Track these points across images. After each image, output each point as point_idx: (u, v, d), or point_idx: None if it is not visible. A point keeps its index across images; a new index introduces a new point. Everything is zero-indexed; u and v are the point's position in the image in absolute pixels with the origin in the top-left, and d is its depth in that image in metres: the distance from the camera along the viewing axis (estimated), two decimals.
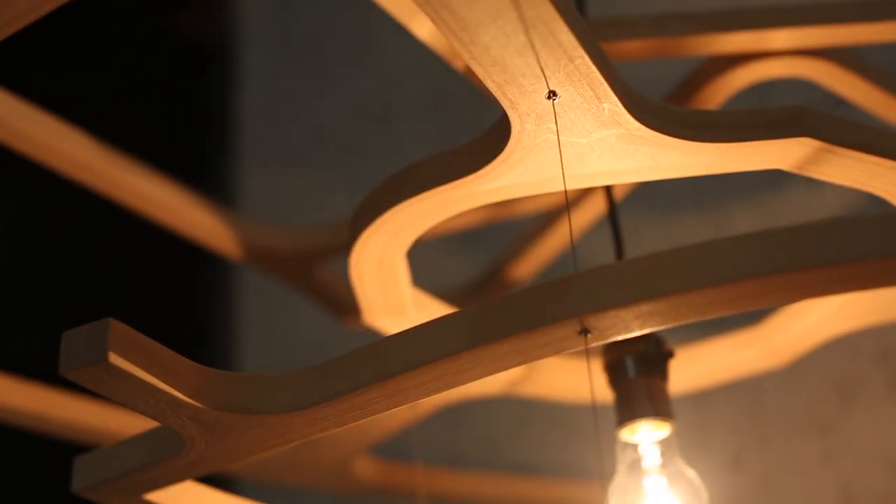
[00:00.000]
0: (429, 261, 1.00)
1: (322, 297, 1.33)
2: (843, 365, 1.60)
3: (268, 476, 1.32)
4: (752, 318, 1.18)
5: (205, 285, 2.23)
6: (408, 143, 2.09)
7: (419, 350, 0.76)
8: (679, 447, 1.01)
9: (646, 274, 0.71)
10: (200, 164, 2.16)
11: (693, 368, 1.16)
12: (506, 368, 0.77)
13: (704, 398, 1.66)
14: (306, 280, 1.31)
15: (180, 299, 2.22)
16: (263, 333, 2.17)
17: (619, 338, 0.74)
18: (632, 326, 0.73)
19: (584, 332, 0.73)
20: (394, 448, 1.40)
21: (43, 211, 2.09)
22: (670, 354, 1.00)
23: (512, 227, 1.73)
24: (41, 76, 1.99)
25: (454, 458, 1.70)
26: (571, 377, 1.15)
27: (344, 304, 1.33)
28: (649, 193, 1.49)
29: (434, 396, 1.10)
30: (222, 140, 2.29)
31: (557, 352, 0.75)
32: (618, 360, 0.99)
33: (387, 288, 0.98)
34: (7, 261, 2.06)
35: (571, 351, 0.75)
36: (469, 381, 0.78)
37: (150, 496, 0.95)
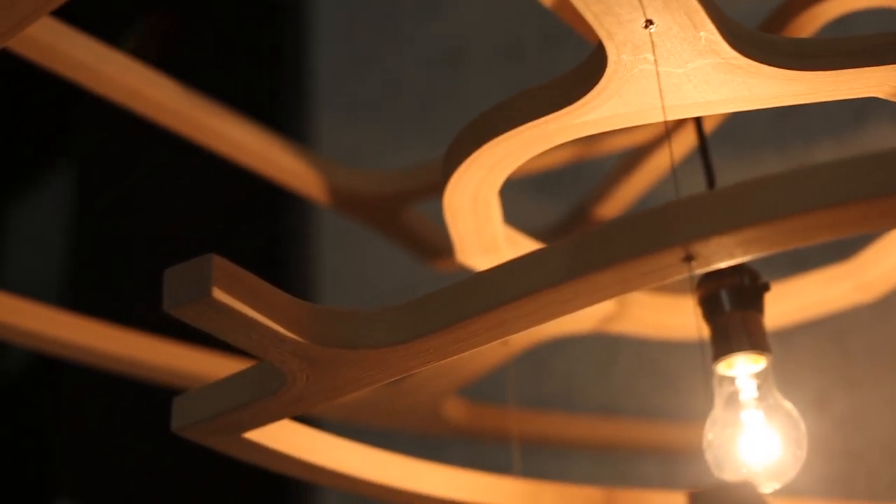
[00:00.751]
0: (509, 204, 1.00)
1: (408, 240, 1.33)
2: None
3: (356, 420, 1.33)
4: (842, 254, 1.17)
5: (285, 230, 2.25)
6: (478, 93, 2.08)
7: (524, 280, 0.76)
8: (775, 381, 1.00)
9: (749, 200, 0.71)
10: (274, 115, 2.17)
11: (784, 304, 1.15)
12: (609, 297, 0.77)
13: (788, 337, 1.65)
14: (393, 223, 1.31)
15: (260, 245, 2.23)
16: (343, 279, 2.17)
17: (722, 265, 0.74)
18: (735, 253, 0.73)
19: (689, 259, 0.73)
20: (480, 391, 1.40)
21: (123, 156, 2.11)
22: (766, 287, 0.99)
23: (584, 172, 1.73)
24: (119, 22, 2.00)
25: (538, 402, 1.71)
26: (663, 313, 1.15)
27: (430, 246, 1.33)
28: (732, 133, 1.48)
29: (526, 334, 1.10)
30: (296, 92, 2.30)
31: (660, 280, 0.75)
32: (713, 294, 0.99)
33: (481, 224, 0.98)
34: (91, 209, 2.08)
35: (674, 279, 0.75)
36: (572, 311, 0.78)
37: (249, 435, 0.96)
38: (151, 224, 2.09)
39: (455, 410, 1.31)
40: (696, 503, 0.66)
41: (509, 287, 0.76)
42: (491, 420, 1.34)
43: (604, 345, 1.71)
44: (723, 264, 0.74)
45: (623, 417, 1.59)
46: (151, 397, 1.99)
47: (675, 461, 1.61)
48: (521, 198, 1.80)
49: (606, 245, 0.73)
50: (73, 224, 2.06)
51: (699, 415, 1.54)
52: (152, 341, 1.27)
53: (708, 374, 0.99)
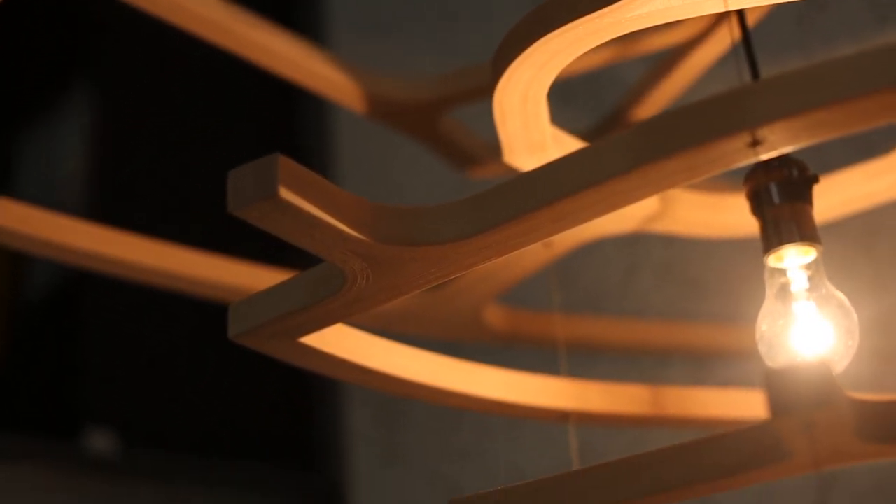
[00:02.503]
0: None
1: (445, 147, 1.34)
2: None
3: (397, 329, 1.33)
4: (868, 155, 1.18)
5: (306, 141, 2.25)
6: (499, 8, 2.07)
7: (588, 171, 0.76)
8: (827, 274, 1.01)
9: (815, 82, 0.71)
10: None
11: (828, 197, 1.15)
12: (675, 185, 0.78)
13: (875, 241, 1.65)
14: (429, 130, 1.31)
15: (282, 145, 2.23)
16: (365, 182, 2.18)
17: (789, 149, 0.74)
18: (801, 137, 0.73)
19: (755, 143, 0.73)
20: (517, 297, 1.41)
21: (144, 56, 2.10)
22: (815, 179, 1.00)
23: (611, 78, 1.72)
24: None
25: (567, 309, 1.72)
26: (708, 212, 1.15)
27: (467, 153, 1.33)
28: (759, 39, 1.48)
29: (568, 235, 1.11)
30: (314, 9, 2.29)
31: (727, 166, 0.75)
32: (762, 187, 0.99)
33: (529, 124, 0.98)
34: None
35: (741, 164, 0.75)
36: (638, 200, 0.78)
37: (306, 339, 0.97)
38: (173, 143, 2.09)
39: (495, 317, 1.32)
40: (770, 380, 0.67)
41: (574, 177, 0.77)
42: (532, 325, 1.35)
43: (630, 252, 1.72)
44: (789, 149, 0.74)
45: (651, 320, 1.59)
46: (180, 320, 2.00)
47: (702, 365, 1.62)
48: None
49: (672, 131, 0.73)
50: (95, 140, 2.06)
51: (728, 317, 1.56)
52: (190, 254, 1.27)
53: (760, 268, 0.99)
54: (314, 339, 0.97)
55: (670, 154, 0.73)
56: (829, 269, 1.65)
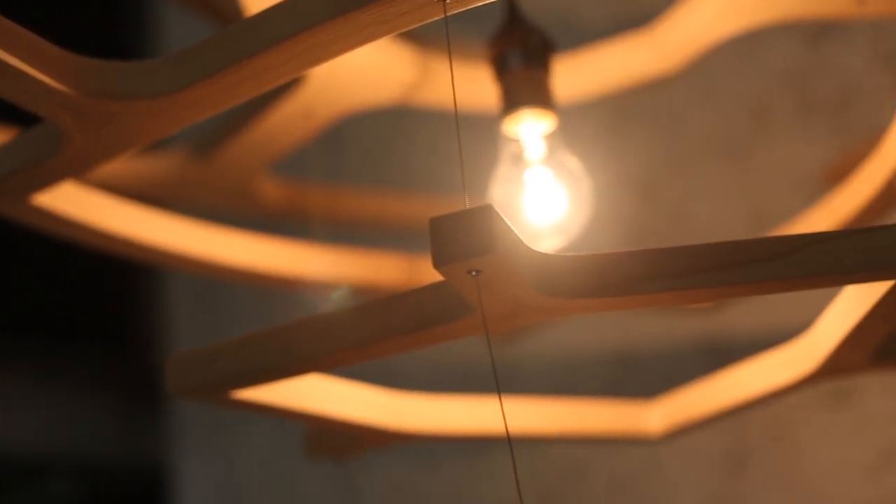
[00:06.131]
0: None
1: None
2: (754, 89, 1.62)
3: (173, 197, 1.32)
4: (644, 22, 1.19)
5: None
6: None
7: (285, 23, 0.76)
8: (564, 143, 1.02)
9: None
10: None
11: (586, 72, 1.16)
12: (371, 39, 0.77)
13: (621, 126, 1.68)
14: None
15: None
16: None
17: (478, 4, 0.74)
18: None
19: None
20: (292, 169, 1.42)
21: None
22: (552, 47, 1.00)
23: None
24: None
25: (343, 177, 1.73)
26: (468, 84, 1.15)
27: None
28: None
29: (327, 106, 1.11)
30: None
31: (419, 21, 0.75)
32: (502, 53, 0.99)
33: None
34: None
35: (433, 20, 0.75)
36: (336, 55, 0.78)
37: (40, 200, 0.96)
38: None
39: (269, 188, 1.31)
40: (433, 229, 0.67)
41: (274, 30, 0.76)
42: (304, 197, 1.35)
43: (403, 124, 1.73)
44: (477, 3, 0.74)
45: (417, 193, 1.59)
46: None
47: None
48: None
49: None
50: None
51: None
52: None
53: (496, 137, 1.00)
54: (50, 200, 0.97)
55: (362, 6, 0.73)
56: (631, 155, 1.68)
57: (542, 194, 0.98)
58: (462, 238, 0.66)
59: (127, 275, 2.15)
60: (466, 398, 1.01)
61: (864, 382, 1.48)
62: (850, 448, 1.49)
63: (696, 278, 0.75)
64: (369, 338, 0.78)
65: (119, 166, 1.23)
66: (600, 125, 1.70)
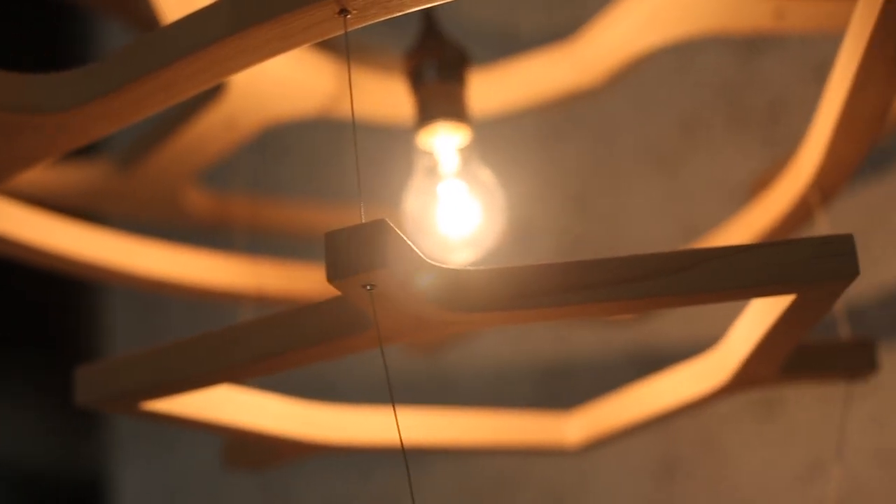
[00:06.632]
0: None
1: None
2: (686, 101, 1.63)
3: (98, 208, 1.33)
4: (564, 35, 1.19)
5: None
6: None
7: (189, 38, 0.76)
8: (479, 154, 1.02)
9: None
10: None
11: (507, 85, 1.17)
12: (275, 54, 0.78)
13: (553, 138, 1.69)
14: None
15: None
16: None
17: (379, 19, 0.75)
18: (391, 7, 0.74)
19: (343, 12, 0.73)
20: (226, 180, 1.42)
21: None
22: (467, 60, 1.01)
23: None
24: None
25: (279, 188, 1.74)
26: (388, 95, 1.16)
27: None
28: None
29: (251, 116, 1.11)
30: None
31: (322, 36, 0.76)
32: (417, 66, 1.00)
33: None
34: None
35: (335, 35, 0.76)
36: (239, 69, 0.79)
37: None
38: None
39: (195, 198, 1.31)
40: (328, 243, 0.67)
41: (177, 45, 0.77)
42: (231, 208, 1.35)
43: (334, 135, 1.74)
44: (379, 19, 0.75)
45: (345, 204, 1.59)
46: None
47: None
48: None
49: (264, 1, 0.74)
50: None
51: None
52: None
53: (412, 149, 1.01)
54: None
55: (264, 20, 0.74)
56: (563, 167, 1.69)
57: (456, 207, 0.98)
58: (355, 252, 0.67)
59: (67, 282, 2.15)
60: (383, 410, 1.02)
61: (793, 393, 1.49)
62: (779, 458, 1.50)
63: (598, 292, 0.76)
64: (274, 350, 0.78)
65: (44, 176, 1.23)
66: (534, 136, 1.71)
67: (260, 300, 1.14)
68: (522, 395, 1.67)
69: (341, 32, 0.75)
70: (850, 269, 0.77)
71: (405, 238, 0.69)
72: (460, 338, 1.51)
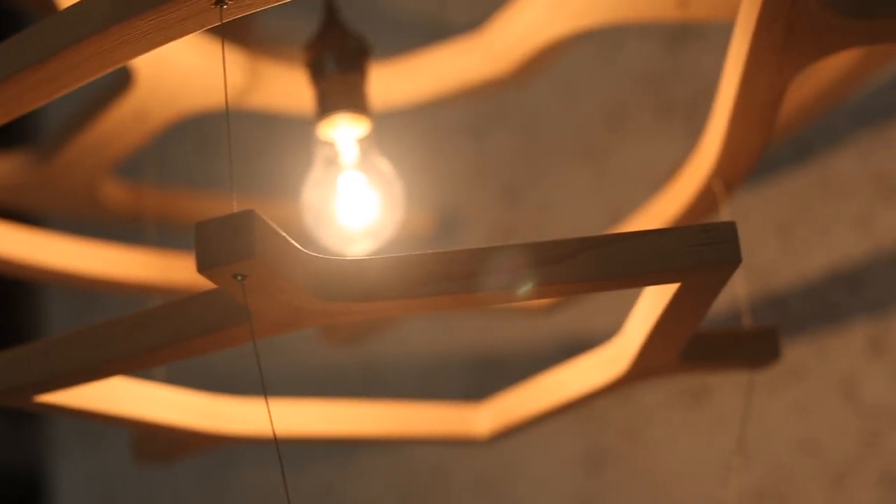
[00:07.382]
0: None
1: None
2: (612, 92, 1.63)
3: (17, 202, 1.32)
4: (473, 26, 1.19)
5: None
6: None
7: (66, 31, 0.76)
8: (376, 144, 1.02)
9: None
10: None
11: (418, 77, 1.17)
12: (154, 46, 0.78)
13: (483, 127, 1.69)
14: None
15: None
16: None
17: (255, 10, 0.75)
18: None
19: (220, 3, 0.73)
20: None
21: None
22: (367, 52, 1.01)
23: None
24: None
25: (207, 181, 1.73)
26: (296, 87, 1.15)
27: None
28: None
29: (160, 109, 1.11)
30: None
31: (199, 27, 0.76)
32: (317, 58, 1.00)
33: None
34: None
35: (212, 26, 0.75)
36: (121, 62, 0.78)
37: None
38: None
39: (112, 192, 1.31)
40: (198, 234, 0.67)
41: (55, 38, 0.77)
42: (146, 200, 1.34)
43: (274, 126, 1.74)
44: (254, 10, 0.75)
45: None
46: None
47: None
48: None
49: None
50: None
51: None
52: None
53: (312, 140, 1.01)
54: None
55: (143, 11, 0.74)
56: (493, 160, 1.69)
57: (355, 198, 0.98)
58: (224, 242, 0.67)
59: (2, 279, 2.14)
60: (284, 401, 1.02)
61: (717, 382, 1.50)
62: (705, 448, 1.51)
63: (481, 281, 0.76)
64: (152, 343, 0.78)
65: None
66: (464, 127, 1.71)
67: (169, 293, 1.13)
68: (453, 386, 1.68)
69: (218, 23, 0.75)
70: (732, 256, 0.77)
71: (277, 228, 0.69)
72: (384, 328, 1.51)
